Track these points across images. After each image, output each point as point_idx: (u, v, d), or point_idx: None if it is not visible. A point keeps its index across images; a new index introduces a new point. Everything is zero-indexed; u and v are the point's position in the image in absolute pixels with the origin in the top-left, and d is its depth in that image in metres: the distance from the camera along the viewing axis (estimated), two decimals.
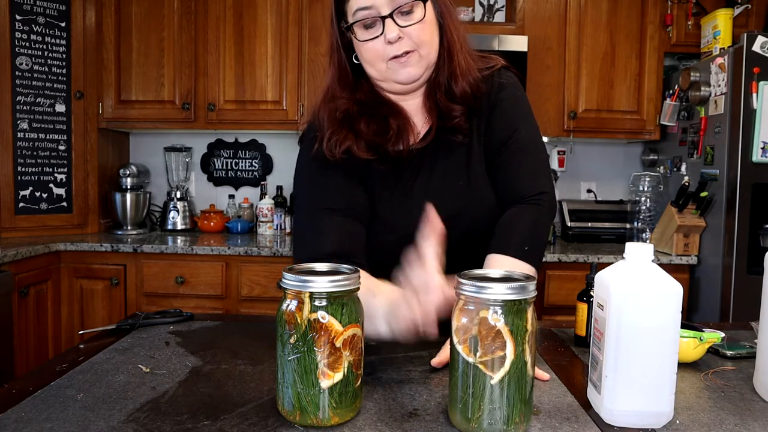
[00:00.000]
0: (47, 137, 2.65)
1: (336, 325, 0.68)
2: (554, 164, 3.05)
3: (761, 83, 2.21)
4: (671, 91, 2.67)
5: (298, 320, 0.67)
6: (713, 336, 0.91)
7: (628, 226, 2.86)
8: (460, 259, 1.06)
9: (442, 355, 0.87)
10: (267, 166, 3.16)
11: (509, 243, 0.98)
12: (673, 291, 0.69)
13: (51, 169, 2.67)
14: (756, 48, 2.21)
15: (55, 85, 2.65)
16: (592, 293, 0.98)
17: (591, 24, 2.72)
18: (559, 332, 1.11)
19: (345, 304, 0.69)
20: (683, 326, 0.90)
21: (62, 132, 2.69)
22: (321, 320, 0.67)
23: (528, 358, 0.65)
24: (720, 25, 2.51)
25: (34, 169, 2.62)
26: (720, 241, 2.33)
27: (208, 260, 2.47)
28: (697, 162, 2.49)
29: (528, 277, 0.67)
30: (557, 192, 3.07)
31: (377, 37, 0.97)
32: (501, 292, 0.63)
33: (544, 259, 2.40)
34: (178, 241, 2.62)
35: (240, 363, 0.89)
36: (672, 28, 2.71)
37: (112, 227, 2.89)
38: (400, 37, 0.97)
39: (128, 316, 1.12)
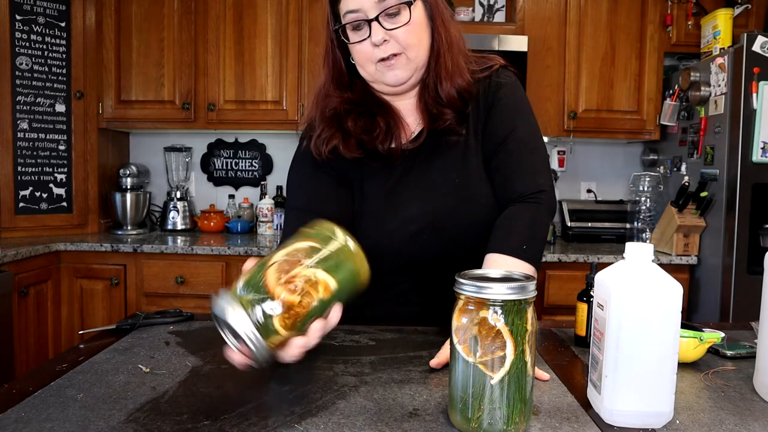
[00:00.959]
0: (47, 137, 2.65)
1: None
2: (554, 164, 3.05)
3: (761, 83, 2.21)
4: (671, 91, 2.67)
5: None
6: (713, 336, 0.91)
7: (628, 226, 2.86)
8: (457, 257, 1.06)
9: (442, 356, 0.87)
10: (267, 166, 3.16)
11: (508, 242, 0.97)
12: (673, 291, 0.69)
13: (51, 169, 2.67)
14: (756, 48, 2.21)
15: (55, 85, 2.65)
16: (592, 293, 0.98)
17: (591, 24, 2.72)
18: (559, 332, 1.11)
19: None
20: (683, 326, 0.90)
21: (62, 132, 2.69)
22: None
23: (528, 358, 0.65)
24: (720, 25, 2.51)
25: (34, 169, 2.62)
26: (720, 241, 2.33)
27: (208, 260, 2.47)
28: (697, 162, 2.49)
29: (528, 277, 0.67)
30: (557, 192, 3.07)
31: (365, 39, 0.98)
32: (501, 292, 0.63)
33: (544, 259, 2.40)
34: (178, 241, 2.62)
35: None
36: (672, 28, 2.71)
37: (112, 227, 2.89)
38: (385, 40, 0.97)
39: (128, 316, 1.12)
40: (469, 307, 0.65)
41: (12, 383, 0.80)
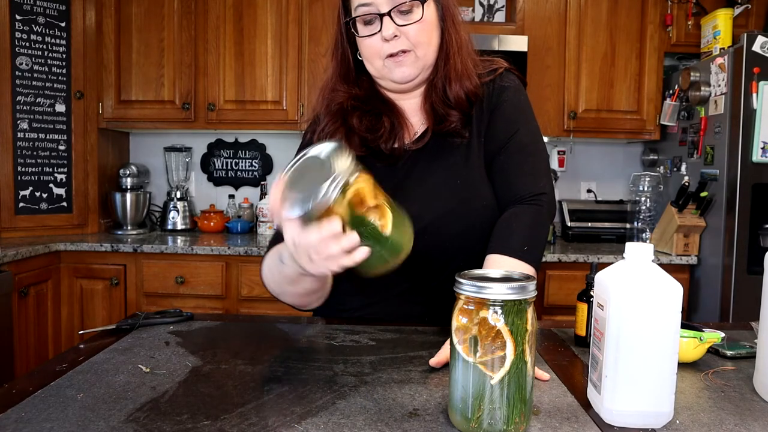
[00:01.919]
0: (47, 137, 2.65)
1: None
2: (554, 164, 3.05)
3: (761, 83, 2.21)
4: (671, 91, 2.67)
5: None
6: (713, 336, 0.91)
7: (628, 226, 2.86)
8: (458, 258, 1.06)
9: (441, 355, 0.87)
10: (267, 166, 3.16)
11: (509, 243, 0.97)
12: (673, 291, 0.69)
13: (51, 169, 2.68)
14: (756, 48, 2.21)
15: (55, 85, 2.65)
16: (592, 293, 0.98)
17: (591, 24, 2.72)
18: (559, 332, 1.11)
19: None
20: (683, 326, 0.90)
21: (62, 132, 2.70)
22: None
23: (528, 358, 0.65)
24: (720, 25, 2.51)
25: (34, 169, 2.62)
26: (720, 241, 2.33)
27: (208, 260, 2.47)
28: (697, 162, 2.49)
29: (528, 277, 0.67)
30: (557, 192, 3.07)
31: (375, 33, 0.98)
32: (501, 292, 0.63)
33: (544, 259, 2.40)
34: (178, 241, 2.62)
35: (240, 363, 0.89)
36: (672, 28, 2.71)
37: (112, 227, 2.89)
38: (396, 36, 0.97)
39: (128, 316, 1.12)
40: (469, 307, 0.65)
41: (12, 383, 0.80)
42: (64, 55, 2.67)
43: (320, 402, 0.74)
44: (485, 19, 2.89)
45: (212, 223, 2.95)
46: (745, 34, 2.22)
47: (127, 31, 2.76)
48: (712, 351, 0.98)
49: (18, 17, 2.53)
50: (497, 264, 0.95)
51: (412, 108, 1.10)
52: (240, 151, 3.18)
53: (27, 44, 2.56)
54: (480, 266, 0.98)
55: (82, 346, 0.97)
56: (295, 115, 2.75)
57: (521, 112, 1.08)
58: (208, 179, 3.19)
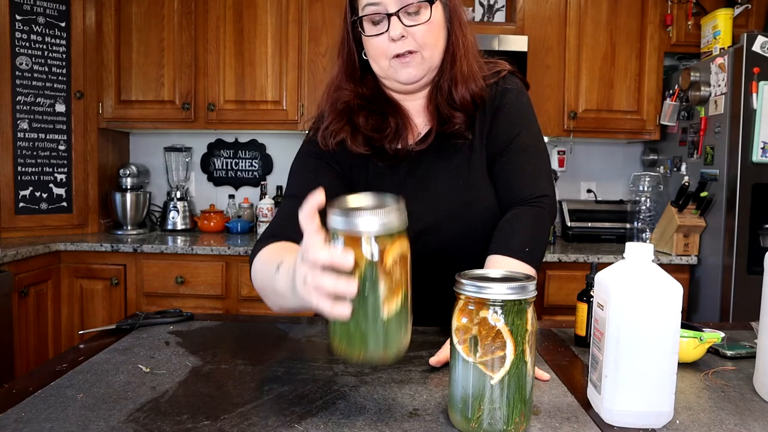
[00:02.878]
0: (47, 137, 2.65)
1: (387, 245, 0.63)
2: (554, 164, 3.05)
3: (761, 83, 2.21)
4: (671, 91, 2.67)
5: (359, 262, 0.62)
6: (713, 336, 0.91)
7: (628, 226, 2.86)
8: (458, 259, 1.06)
9: (441, 354, 0.87)
10: (267, 166, 3.16)
11: (510, 244, 0.98)
12: (673, 291, 0.69)
13: (51, 169, 2.67)
14: (756, 48, 2.21)
15: (55, 85, 2.65)
16: (592, 293, 0.98)
17: (591, 24, 2.72)
18: (559, 332, 1.11)
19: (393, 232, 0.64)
20: (683, 326, 0.90)
21: (62, 132, 2.69)
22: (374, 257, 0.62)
23: (528, 358, 0.65)
24: (720, 25, 2.51)
25: (34, 169, 2.62)
26: (720, 241, 2.33)
27: (208, 260, 2.47)
28: (697, 162, 2.49)
29: (528, 277, 0.67)
30: (557, 192, 3.07)
31: (382, 33, 0.98)
32: (501, 292, 0.63)
33: (544, 259, 2.39)
34: (178, 241, 2.62)
35: (240, 363, 0.89)
36: (672, 28, 2.71)
37: (112, 227, 2.89)
38: (403, 36, 0.97)
39: (128, 316, 1.12)
40: (469, 307, 0.65)
41: (12, 383, 0.80)
42: (64, 55, 2.67)
43: (320, 402, 0.74)
44: (485, 19, 2.89)
45: (212, 223, 2.95)
46: (745, 34, 2.22)
47: (127, 31, 2.76)
48: (712, 351, 0.98)
49: (18, 17, 2.53)
50: (498, 264, 0.95)
51: (416, 109, 1.10)
52: (240, 151, 3.18)
53: (27, 44, 2.56)
54: (481, 267, 0.98)
55: (82, 346, 0.97)
56: (295, 115, 2.75)
57: (523, 115, 1.09)
58: (208, 179, 3.19)
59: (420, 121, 1.10)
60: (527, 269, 0.96)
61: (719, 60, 2.34)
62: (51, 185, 2.68)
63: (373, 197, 0.69)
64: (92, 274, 2.50)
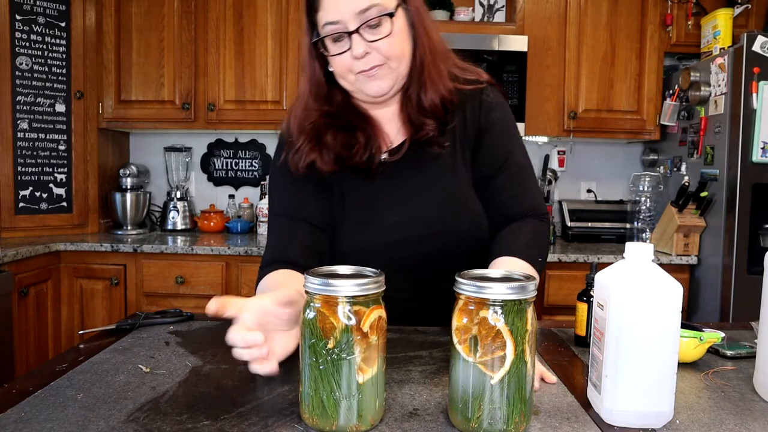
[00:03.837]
0: (47, 137, 2.65)
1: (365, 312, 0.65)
2: (554, 164, 3.06)
3: (761, 83, 2.21)
4: (671, 91, 2.67)
5: (336, 325, 0.64)
6: (713, 336, 0.91)
7: (628, 226, 2.86)
8: (445, 270, 1.05)
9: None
10: (267, 166, 3.16)
11: (516, 246, 0.99)
12: (673, 291, 0.69)
13: (51, 169, 2.68)
14: (756, 48, 2.21)
15: (55, 85, 2.65)
16: (592, 293, 0.98)
17: (591, 24, 2.72)
18: (559, 332, 1.11)
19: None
20: (683, 326, 0.90)
21: (62, 132, 2.69)
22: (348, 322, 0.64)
23: (528, 358, 0.65)
24: (720, 25, 2.51)
25: (34, 169, 2.62)
26: (720, 241, 2.33)
27: (208, 260, 2.47)
28: (697, 162, 2.49)
29: (528, 277, 0.67)
30: (557, 192, 3.08)
31: (345, 51, 0.95)
32: (501, 291, 0.63)
33: None
34: (178, 241, 2.62)
35: (240, 363, 0.89)
36: (672, 28, 2.71)
37: (112, 227, 2.89)
38: (367, 53, 0.94)
39: (128, 316, 1.12)
40: (469, 307, 0.65)
41: (12, 383, 0.80)
42: (64, 55, 2.67)
43: None
44: (485, 19, 2.89)
45: (212, 223, 2.95)
46: (745, 34, 2.22)
47: (127, 31, 2.76)
48: (712, 351, 0.98)
49: (18, 17, 2.53)
50: (507, 265, 0.95)
51: (387, 117, 1.08)
52: (240, 151, 3.18)
53: (27, 44, 2.56)
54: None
55: (82, 346, 0.97)
56: None
57: (512, 133, 1.10)
58: (208, 179, 3.19)
59: (392, 129, 1.08)
60: (532, 271, 0.96)
61: (719, 60, 2.34)
62: (51, 185, 2.68)
63: (353, 267, 0.72)
64: (92, 274, 2.50)
